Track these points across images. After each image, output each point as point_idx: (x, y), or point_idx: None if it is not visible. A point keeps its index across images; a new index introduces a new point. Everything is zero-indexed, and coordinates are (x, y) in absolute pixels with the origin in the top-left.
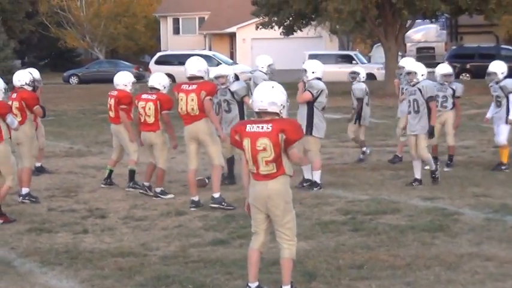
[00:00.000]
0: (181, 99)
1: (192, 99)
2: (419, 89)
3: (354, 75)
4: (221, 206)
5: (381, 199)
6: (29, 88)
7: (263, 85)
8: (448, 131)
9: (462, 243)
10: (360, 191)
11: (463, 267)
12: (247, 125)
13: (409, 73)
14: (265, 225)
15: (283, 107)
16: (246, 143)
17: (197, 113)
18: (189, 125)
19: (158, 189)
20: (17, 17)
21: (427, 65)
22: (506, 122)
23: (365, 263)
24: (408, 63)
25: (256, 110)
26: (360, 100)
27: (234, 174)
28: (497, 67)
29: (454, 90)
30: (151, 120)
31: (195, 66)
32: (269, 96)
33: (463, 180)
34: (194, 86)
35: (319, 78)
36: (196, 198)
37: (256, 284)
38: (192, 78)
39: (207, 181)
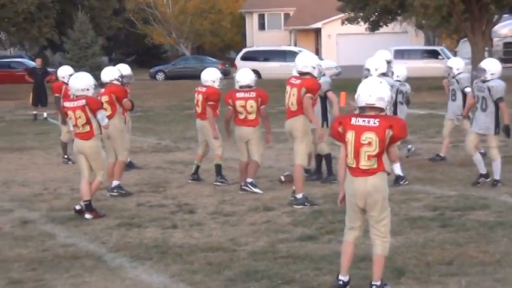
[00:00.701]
0: (287, 93)
1: (294, 94)
2: (489, 88)
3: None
4: (304, 206)
5: (469, 195)
6: (117, 83)
7: (371, 80)
8: None
9: None
10: (448, 187)
11: None
12: (352, 118)
13: (480, 70)
14: (361, 221)
15: (389, 102)
16: (350, 135)
17: (296, 109)
18: (287, 120)
19: (249, 180)
20: (104, 14)
21: None
22: None
23: (454, 259)
24: (456, 63)
25: (363, 105)
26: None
27: (321, 170)
28: None
29: None
30: (252, 116)
31: (302, 61)
32: (378, 91)
33: None
34: (298, 81)
35: (384, 74)
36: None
37: (348, 278)
38: (301, 74)
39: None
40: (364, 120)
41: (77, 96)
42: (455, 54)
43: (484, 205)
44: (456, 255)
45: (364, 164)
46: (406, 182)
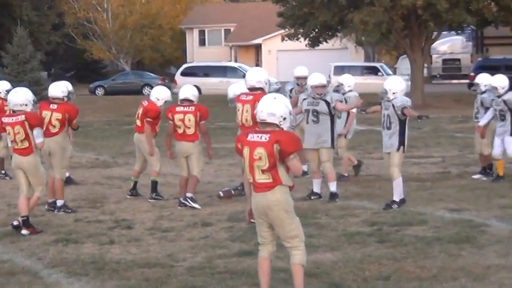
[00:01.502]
0: (238, 110)
1: (247, 111)
2: (504, 101)
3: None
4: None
5: (407, 210)
6: (66, 100)
7: (266, 97)
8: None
9: (489, 254)
10: (386, 202)
11: (490, 278)
12: (249, 135)
13: (383, 90)
14: (271, 235)
15: (284, 118)
16: (246, 151)
17: (251, 124)
18: None
19: (189, 195)
20: (43, 29)
21: (453, 77)
22: (511, 134)
23: (391, 274)
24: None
25: (258, 120)
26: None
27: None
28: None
29: (482, 101)
30: (191, 131)
31: (254, 76)
32: (269, 107)
33: (489, 192)
34: (250, 97)
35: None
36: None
37: None
38: (251, 89)
39: (232, 192)
40: (258, 136)
41: (14, 112)
42: (394, 71)
43: (422, 220)
44: (393, 271)
45: (258, 178)
46: (338, 200)
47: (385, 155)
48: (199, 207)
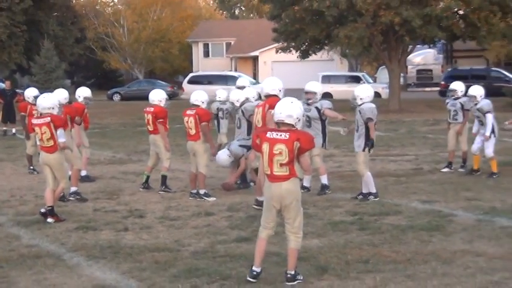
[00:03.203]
0: (256, 114)
1: (259, 113)
2: (360, 111)
3: (452, 92)
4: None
5: (385, 202)
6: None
7: (283, 100)
8: (461, 139)
9: (456, 241)
10: (361, 194)
11: (457, 262)
12: (268, 132)
13: (353, 97)
14: (274, 222)
15: (299, 120)
16: (265, 147)
17: (261, 124)
18: None
19: (202, 191)
20: (67, 42)
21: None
22: (490, 137)
23: (370, 258)
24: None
25: (275, 121)
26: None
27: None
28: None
29: (462, 105)
30: (193, 132)
31: (269, 85)
32: (287, 110)
33: (456, 185)
34: (261, 102)
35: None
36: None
37: (260, 269)
38: (266, 96)
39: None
40: (277, 134)
41: (41, 114)
42: (375, 80)
43: (397, 211)
44: (372, 255)
45: (277, 171)
46: (329, 191)
47: (356, 153)
48: (215, 198)
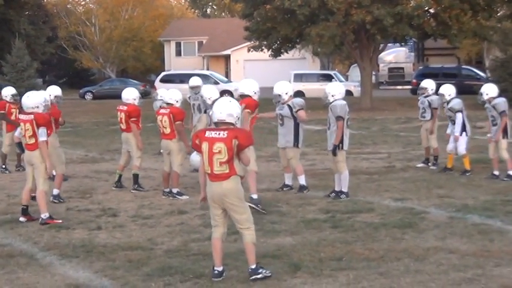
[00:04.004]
0: None
1: None
2: (330, 108)
3: (423, 90)
4: (256, 208)
5: (357, 200)
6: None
7: (222, 100)
8: (431, 136)
9: (428, 238)
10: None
11: (429, 259)
12: (207, 132)
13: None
14: (223, 219)
15: (238, 118)
16: (205, 146)
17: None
18: None
19: (175, 190)
20: (39, 41)
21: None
22: (460, 135)
23: (344, 255)
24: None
25: (215, 121)
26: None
27: None
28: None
29: (429, 103)
30: (167, 130)
31: (246, 86)
32: (227, 109)
33: (429, 183)
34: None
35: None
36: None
37: (222, 268)
38: (242, 96)
39: None
40: (215, 133)
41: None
42: (346, 78)
43: (370, 208)
44: (345, 252)
45: (217, 169)
46: (308, 191)
47: (329, 152)
48: (188, 197)
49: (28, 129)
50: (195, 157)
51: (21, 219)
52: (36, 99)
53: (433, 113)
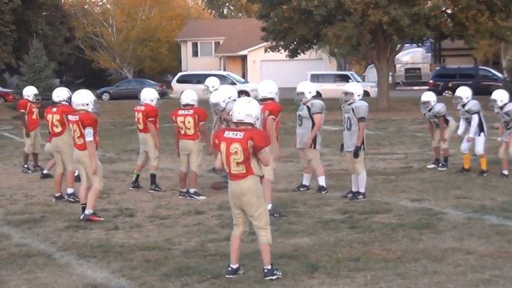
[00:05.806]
0: None
1: None
2: (352, 109)
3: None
4: (276, 216)
5: (375, 200)
6: (66, 103)
7: (241, 100)
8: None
9: (446, 239)
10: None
11: (447, 260)
12: (225, 132)
13: (347, 93)
14: (243, 218)
15: (257, 118)
16: (223, 146)
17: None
18: None
19: (192, 190)
20: (56, 42)
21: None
22: (479, 135)
23: (361, 256)
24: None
25: (235, 121)
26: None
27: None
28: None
29: (435, 115)
30: (191, 131)
31: (266, 88)
32: (246, 109)
33: (446, 184)
34: (261, 106)
35: (315, 96)
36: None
37: (237, 265)
38: (262, 100)
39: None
40: (233, 133)
41: (78, 111)
42: (363, 79)
43: (387, 209)
44: (363, 253)
45: (234, 169)
46: (327, 193)
47: (346, 153)
48: (205, 197)
49: (76, 130)
50: None
51: (86, 214)
52: (87, 97)
53: (441, 121)
